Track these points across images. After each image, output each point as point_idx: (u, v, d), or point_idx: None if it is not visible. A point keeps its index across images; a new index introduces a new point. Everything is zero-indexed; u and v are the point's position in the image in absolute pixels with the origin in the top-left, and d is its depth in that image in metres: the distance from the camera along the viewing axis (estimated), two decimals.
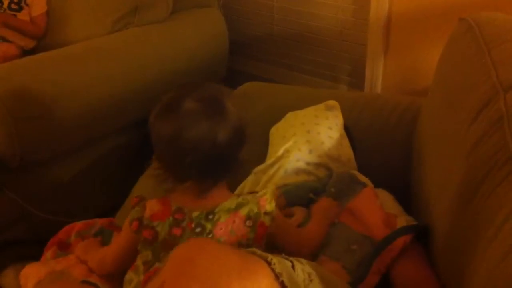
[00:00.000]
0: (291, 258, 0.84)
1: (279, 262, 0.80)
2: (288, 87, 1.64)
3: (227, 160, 0.96)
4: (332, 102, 1.37)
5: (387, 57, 1.93)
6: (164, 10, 1.99)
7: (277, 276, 0.78)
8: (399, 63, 1.92)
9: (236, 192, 1.25)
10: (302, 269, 0.83)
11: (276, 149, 1.31)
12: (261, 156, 1.36)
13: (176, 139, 0.93)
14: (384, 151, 1.38)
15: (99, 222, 1.22)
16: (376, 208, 1.12)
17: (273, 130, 1.39)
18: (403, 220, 1.10)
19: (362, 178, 1.22)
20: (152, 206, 0.97)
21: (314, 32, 2.10)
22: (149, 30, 1.96)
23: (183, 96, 0.95)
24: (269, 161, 1.31)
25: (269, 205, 0.97)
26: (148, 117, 0.97)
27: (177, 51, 2.00)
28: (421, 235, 1.06)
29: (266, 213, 0.96)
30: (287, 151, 1.28)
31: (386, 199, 1.22)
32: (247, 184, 1.29)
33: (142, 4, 1.95)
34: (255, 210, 0.96)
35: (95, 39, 1.88)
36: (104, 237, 1.18)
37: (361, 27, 1.97)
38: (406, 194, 1.23)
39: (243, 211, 0.96)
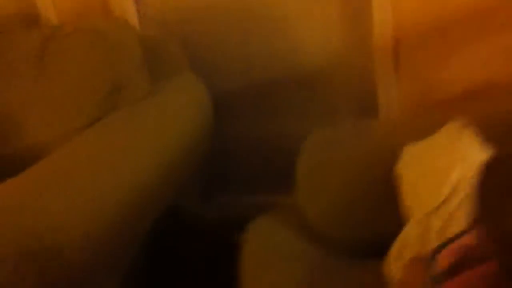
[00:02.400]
0: None
1: None
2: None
3: None
4: (458, 121, 1.17)
5: (399, 77, 1.80)
6: (144, 86, 1.66)
7: None
8: (413, 80, 1.80)
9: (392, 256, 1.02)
10: None
11: (435, 188, 1.07)
12: None
13: None
14: None
15: None
16: None
17: (403, 171, 1.15)
18: None
19: None
20: None
21: (306, 71, 1.90)
22: (132, 114, 1.60)
23: None
24: (435, 203, 1.06)
25: None
26: None
27: (167, 132, 1.66)
28: None
29: None
30: (462, 186, 1.05)
31: None
32: (410, 241, 1.04)
33: (119, 85, 1.59)
34: None
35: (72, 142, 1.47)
36: None
37: (360, 54, 1.83)
38: None
39: None
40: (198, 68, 1.81)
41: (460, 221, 1.00)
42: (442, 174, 1.08)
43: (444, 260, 0.91)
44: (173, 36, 1.87)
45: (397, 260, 1.05)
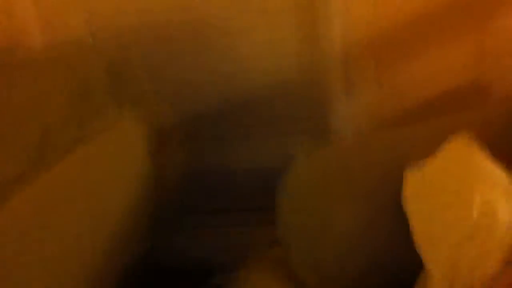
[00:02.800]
0: None
1: None
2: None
3: None
4: (461, 136, 1.06)
5: (350, 95, 1.70)
6: (72, 132, 1.41)
7: None
8: (367, 95, 1.71)
9: None
10: None
11: (454, 220, 0.94)
12: None
13: None
14: None
15: None
16: None
17: (409, 201, 1.02)
18: None
19: None
20: None
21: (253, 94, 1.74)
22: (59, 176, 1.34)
23: None
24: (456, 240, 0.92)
25: None
26: None
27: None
28: None
29: None
30: (489, 208, 0.92)
31: None
32: None
33: (46, 134, 1.33)
34: None
35: None
36: None
37: (312, 73, 1.71)
38: None
39: None
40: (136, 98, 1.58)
41: (490, 260, 0.88)
42: (460, 202, 0.95)
43: None
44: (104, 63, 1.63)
45: None
